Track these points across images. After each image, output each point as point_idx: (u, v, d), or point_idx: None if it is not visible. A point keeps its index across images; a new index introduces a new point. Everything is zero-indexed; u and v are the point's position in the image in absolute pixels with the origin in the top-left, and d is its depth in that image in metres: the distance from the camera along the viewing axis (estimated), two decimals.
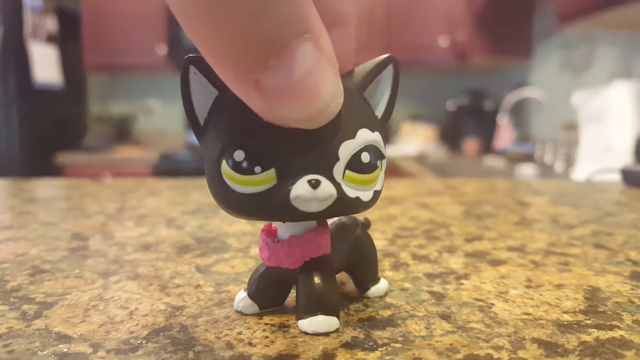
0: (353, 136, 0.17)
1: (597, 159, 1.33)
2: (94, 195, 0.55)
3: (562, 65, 1.92)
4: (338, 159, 0.17)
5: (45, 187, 0.64)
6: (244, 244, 0.33)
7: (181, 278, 0.26)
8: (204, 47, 0.14)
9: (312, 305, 0.19)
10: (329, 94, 0.15)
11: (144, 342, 0.18)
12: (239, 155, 0.16)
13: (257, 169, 0.16)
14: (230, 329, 0.19)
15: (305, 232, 0.19)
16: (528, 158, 1.91)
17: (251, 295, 0.21)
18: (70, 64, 2.51)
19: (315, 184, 0.16)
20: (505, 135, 2.12)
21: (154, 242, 0.33)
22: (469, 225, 0.39)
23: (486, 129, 2.32)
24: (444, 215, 0.43)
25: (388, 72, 0.19)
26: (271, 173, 0.16)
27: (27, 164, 2.27)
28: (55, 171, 2.33)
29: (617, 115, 1.33)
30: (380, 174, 0.18)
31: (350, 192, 0.17)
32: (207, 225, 0.38)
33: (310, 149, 0.16)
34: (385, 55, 0.19)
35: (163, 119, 2.88)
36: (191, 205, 0.48)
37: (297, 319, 0.19)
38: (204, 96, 0.18)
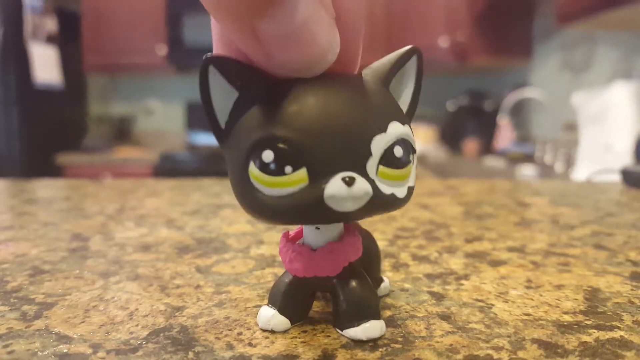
0: (384, 130, 0.16)
1: (597, 160, 1.33)
2: (94, 195, 0.55)
3: (562, 66, 1.92)
4: (371, 154, 0.16)
5: (45, 188, 0.64)
6: (244, 244, 0.33)
7: (181, 278, 0.26)
8: None
9: (361, 312, 0.18)
10: (326, 42, 0.15)
11: (144, 342, 0.18)
12: (268, 155, 0.15)
13: (288, 169, 0.15)
14: (230, 330, 0.19)
15: (344, 237, 0.18)
16: (528, 158, 1.91)
17: (281, 311, 0.19)
18: (71, 64, 2.51)
19: (350, 182, 0.15)
20: (505, 135, 2.12)
21: (154, 243, 0.33)
22: (469, 226, 0.38)
23: (486, 129, 2.32)
24: (444, 216, 0.43)
25: (411, 65, 0.18)
26: (302, 173, 0.15)
27: (27, 165, 2.27)
28: (55, 171, 2.33)
29: (617, 115, 1.33)
30: (412, 168, 0.17)
31: (385, 189, 0.16)
32: (207, 225, 0.38)
33: (341, 145, 0.15)
34: (408, 47, 0.18)
35: (163, 120, 2.88)
36: (191, 205, 0.48)
37: (343, 328, 0.19)
38: (224, 97, 0.17)
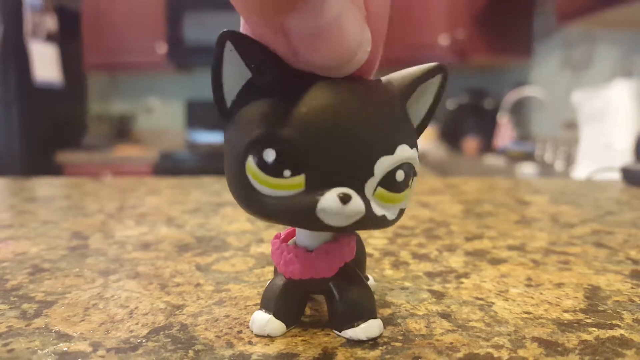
0: (392, 152, 0.16)
1: (598, 158, 1.33)
2: (94, 194, 0.55)
3: (562, 64, 1.92)
4: (372, 175, 0.15)
5: (45, 186, 0.64)
6: (244, 242, 0.33)
7: (181, 277, 0.26)
8: None
9: (358, 313, 0.18)
10: (356, 40, 0.14)
11: (144, 340, 0.18)
12: (269, 154, 0.15)
13: (287, 172, 0.15)
14: (230, 328, 0.19)
15: (339, 237, 0.18)
16: (528, 157, 1.91)
17: (277, 315, 0.19)
18: (70, 62, 2.50)
19: (345, 199, 0.15)
20: (505, 134, 2.12)
21: (154, 241, 0.33)
22: (469, 224, 0.38)
23: (486, 127, 2.32)
24: (444, 214, 0.42)
25: (434, 82, 0.17)
26: (300, 179, 0.15)
27: (27, 163, 2.27)
28: (55, 170, 2.33)
29: (618, 114, 1.33)
30: (409, 192, 0.17)
31: (378, 210, 0.16)
32: (207, 224, 0.38)
33: (346, 159, 0.15)
34: (434, 64, 0.17)
35: (163, 118, 2.87)
36: (191, 204, 0.47)
37: (341, 329, 0.18)
38: (236, 76, 0.16)
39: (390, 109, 0.16)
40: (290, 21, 0.14)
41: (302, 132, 0.15)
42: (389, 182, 0.16)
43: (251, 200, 0.16)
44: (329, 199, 0.15)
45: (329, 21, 0.14)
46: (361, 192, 0.15)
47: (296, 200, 0.15)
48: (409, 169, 0.16)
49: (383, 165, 0.15)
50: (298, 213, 0.15)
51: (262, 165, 0.15)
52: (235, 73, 0.16)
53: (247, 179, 0.16)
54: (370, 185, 0.16)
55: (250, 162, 0.15)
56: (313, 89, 0.15)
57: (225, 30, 0.16)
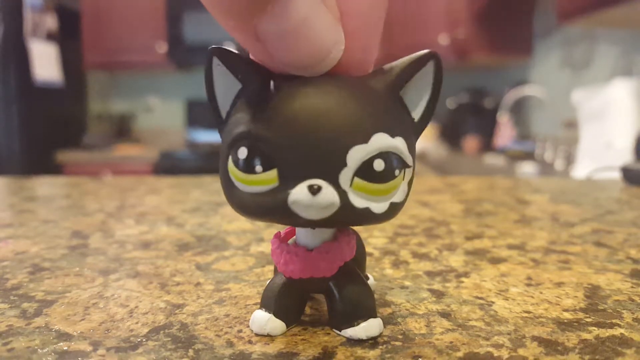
0: (366, 141, 0.15)
1: (598, 157, 1.33)
2: (94, 193, 0.55)
3: (562, 63, 1.92)
4: (345, 165, 0.15)
5: (45, 185, 0.64)
6: (244, 241, 0.33)
7: (181, 276, 0.26)
8: None
9: (358, 312, 0.18)
10: (329, 41, 0.15)
11: (144, 340, 0.18)
12: (243, 152, 0.16)
13: (259, 168, 0.15)
14: (230, 327, 0.19)
15: (338, 236, 0.18)
16: (528, 156, 1.91)
17: (277, 314, 0.19)
18: (71, 61, 2.50)
19: (315, 190, 0.15)
20: (505, 133, 2.12)
21: (154, 240, 0.33)
22: (469, 223, 0.38)
23: (486, 126, 2.32)
24: (444, 213, 0.42)
25: (428, 70, 0.17)
26: (273, 174, 0.15)
27: (27, 162, 2.27)
28: (55, 169, 2.33)
29: (618, 113, 1.33)
30: (400, 184, 0.17)
31: (358, 202, 0.16)
32: (207, 223, 0.38)
33: (315, 151, 0.15)
34: (425, 51, 0.17)
35: (163, 117, 2.87)
36: (191, 203, 0.48)
37: (341, 328, 0.18)
38: (227, 88, 0.17)
39: (371, 99, 0.16)
40: (262, 24, 0.14)
41: (271, 127, 0.15)
42: (366, 172, 0.15)
43: (234, 199, 0.17)
44: (299, 191, 0.15)
45: (298, 22, 0.14)
46: (335, 184, 0.15)
47: (270, 196, 0.16)
48: (392, 159, 0.16)
49: (356, 154, 0.15)
50: (273, 208, 0.16)
51: (237, 163, 0.16)
52: (226, 85, 0.17)
53: (229, 178, 0.16)
54: (345, 176, 0.15)
55: (230, 162, 0.16)
56: (289, 87, 0.16)
57: (211, 47, 0.17)
